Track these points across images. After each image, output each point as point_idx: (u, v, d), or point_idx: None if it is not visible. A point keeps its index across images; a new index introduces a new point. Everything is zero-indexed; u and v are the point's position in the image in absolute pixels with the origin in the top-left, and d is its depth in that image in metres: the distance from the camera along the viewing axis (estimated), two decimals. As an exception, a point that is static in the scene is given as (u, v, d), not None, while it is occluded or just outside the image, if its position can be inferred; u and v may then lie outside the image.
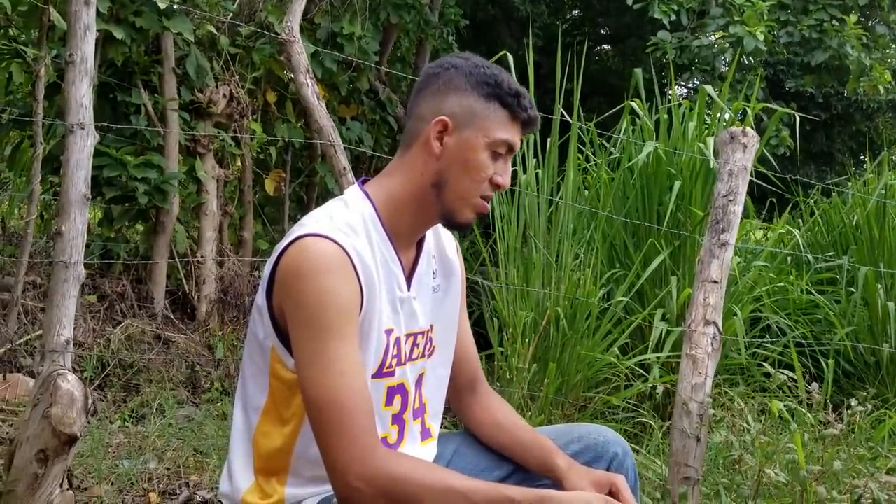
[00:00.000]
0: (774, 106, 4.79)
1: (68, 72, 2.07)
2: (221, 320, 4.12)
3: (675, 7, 6.52)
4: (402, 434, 1.40)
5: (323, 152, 5.02)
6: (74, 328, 2.14)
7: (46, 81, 3.41)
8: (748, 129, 2.47)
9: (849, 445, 2.50)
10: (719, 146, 2.50)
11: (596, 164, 4.03)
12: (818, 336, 3.98)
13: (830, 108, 8.68)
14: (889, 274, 4.06)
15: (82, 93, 2.07)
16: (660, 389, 2.99)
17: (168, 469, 2.55)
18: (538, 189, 3.50)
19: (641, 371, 3.34)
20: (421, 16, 6.04)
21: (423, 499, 1.21)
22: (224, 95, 4.28)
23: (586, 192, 3.93)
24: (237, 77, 4.37)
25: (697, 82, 6.91)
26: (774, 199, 5.18)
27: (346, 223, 1.31)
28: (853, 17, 6.62)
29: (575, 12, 10.67)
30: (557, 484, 1.40)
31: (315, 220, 1.31)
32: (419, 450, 1.43)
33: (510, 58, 3.62)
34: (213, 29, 4.21)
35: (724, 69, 6.74)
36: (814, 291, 4.20)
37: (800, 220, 5.09)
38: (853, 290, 4.14)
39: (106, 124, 3.66)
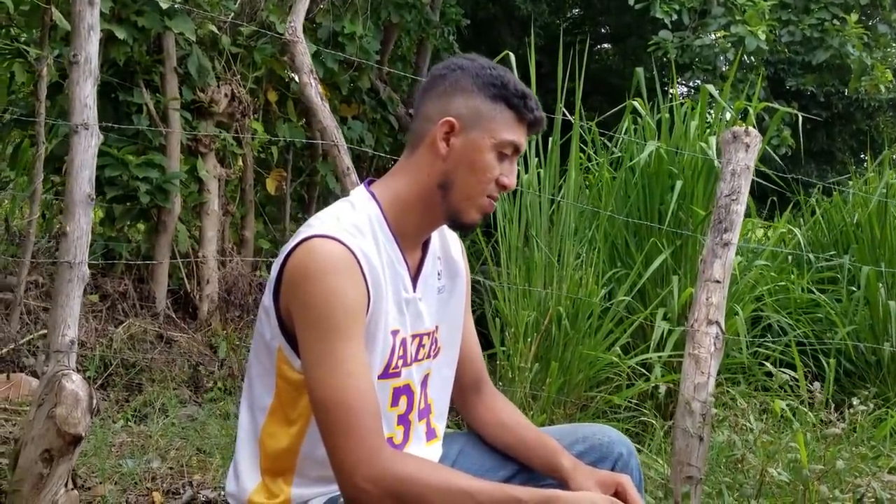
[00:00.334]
0: (776, 105, 4.80)
1: (72, 72, 2.07)
2: (223, 319, 4.13)
3: (677, 7, 6.52)
4: (408, 434, 1.41)
5: (325, 152, 5.04)
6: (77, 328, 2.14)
7: (48, 81, 3.41)
8: (751, 128, 2.47)
9: (851, 444, 2.50)
10: (722, 145, 2.50)
11: (598, 164, 4.03)
12: (819, 335, 3.98)
13: (831, 106, 8.68)
14: (890, 273, 4.07)
15: (86, 93, 2.07)
16: (662, 389, 2.99)
17: (171, 468, 2.56)
18: (540, 188, 3.50)
19: (643, 370, 3.34)
20: (422, 15, 6.04)
21: (429, 499, 1.21)
22: (225, 95, 4.28)
23: (588, 191, 3.93)
24: (238, 76, 4.37)
25: (699, 81, 6.92)
26: (775, 198, 5.19)
27: (353, 224, 1.31)
28: (854, 17, 6.63)
29: (575, 11, 10.67)
30: (562, 484, 1.40)
31: (322, 222, 1.31)
32: (424, 450, 1.43)
33: (512, 58, 3.62)
34: (214, 28, 4.21)
35: (725, 68, 6.74)
36: (815, 290, 4.21)
37: (801, 220, 5.09)
38: (854, 289, 4.14)
39: (108, 124, 3.66)
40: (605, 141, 4.14)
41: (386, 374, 1.35)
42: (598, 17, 10.19)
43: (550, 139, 3.55)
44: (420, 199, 1.37)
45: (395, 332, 1.35)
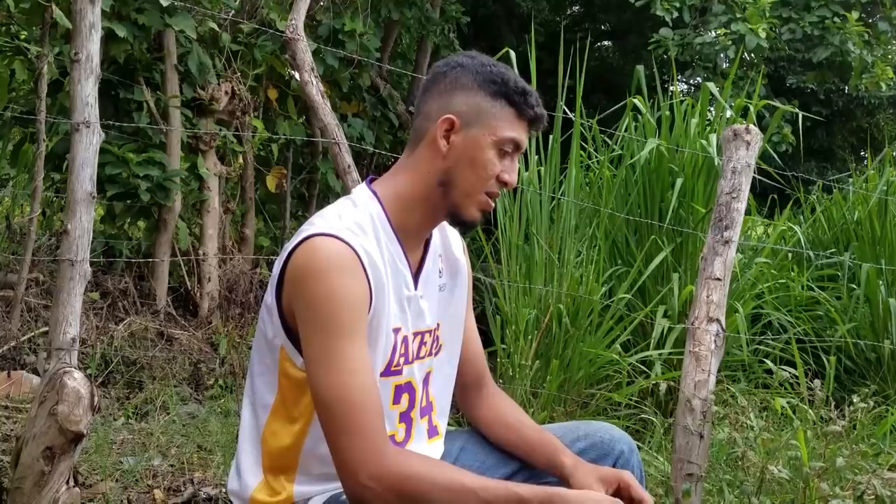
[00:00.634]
0: (776, 103, 4.79)
1: (73, 70, 2.07)
2: (224, 317, 4.13)
3: (678, 4, 6.52)
4: (410, 432, 1.41)
5: (325, 149, 5.04)
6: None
7: (49, 79, 3.41)
8: (751, 126, 2.47)
9: (851, 442, 2.50)
10: (723, 143, 2.50)
11: (598, 161, 4.03)
12: (819, 333, 3.98)
13: (831, 104, 8.68)
14: (890, 270, 4.07)
15: (87, 91, 2.07)
16: (662, 386, 3.00)
17: (172, 466, 2.56)
18: (540, 186, 3.50)
19: (643, 368, 3.34)
20: (422, 12, 6.04)
21: (432, 496, 1.22)
22: (226, 92, 4.28)
23: (588, 189, 3.93)
24: (239, 74, 4.37)
25: (699, 79, 6.91)
26: (776, 196, 5.19)
27: (355, 222, 1.32)
28: (855, 14, 6.62)
29: (576, 8, 10.66)
30: (564, 481, 1.40)
31: (324, 220, 1.31)
32: (426, 447, 1.43)
33: (513, 55, 3.62)
34: (214, 26, 4.21)
35: (725, 66, 6.73)
36: (815, 288, 4.21)
37: (801, 217, 5.09)
38: (854, 286, 4.14)
39: (108, 122, 3.66)
40: (606, 138, 4.14)
41: (388, 372, 1.35)
42: (599, 14, 10.18)
43: (551, 137, 3.55)
44: (421, 197, 1.37)
45: (396, 330, 1.35)
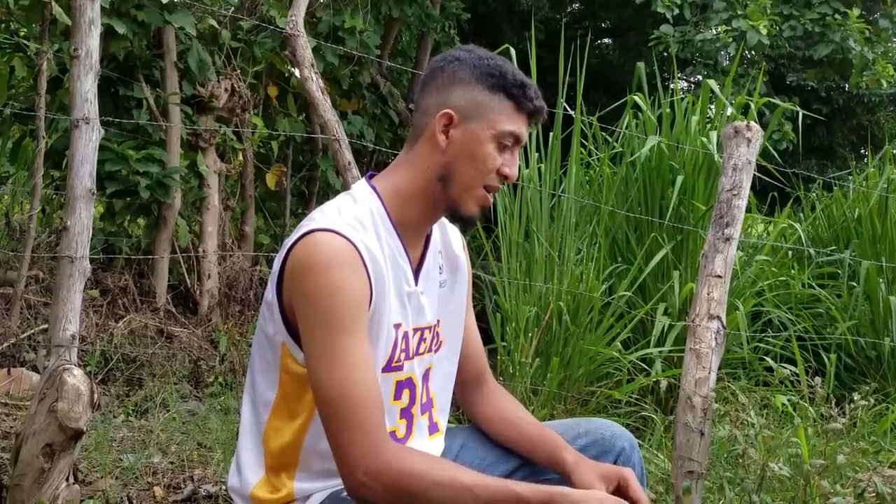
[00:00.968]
0: (777, 101, 4.79)
1: (73, 67, 2.06)
2: (224, 314, 4.13)
3: (678, 1, 6.51)
4: (411, 428, 1.40)
5: (325, 146, 5.04)
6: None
7: (48, 76, 3.41)
8: (752, 123, 2.46)
9: (851, 439, 2.50)
10: (723, 140, 2.50)
11: (598, 159, 4.02)
12: (820, 330, 3.98)
13: (832, 101, 8.67)
14: (891, 268, 4.07)
15: (87, 88, 2.06)
16: (662, 384, 2.99)
17: (172, 463, 2.56)
18: (541, 183, 3.50)
19: (644, 365, 3.34)
20: (422, 10, 6.03)
21: (432, 493, 1.21)
22: (226, 89, 4.27)
23: (589, 186, 3.93)
24: (239, 71, 4.36)
25: (700, 76, 6.91)
26: (776, 194, 5.19)
27: (355, 218, 1.31)
28: (856, 11, 6.61)
29: (576, 6, 10.65)
30: (565, 478, 1.40)
31: (324, 215, 1.31)
32: (427, 444, 1.43)
33: (513, 52, 3.61)
34: (214, 23, 4.20)
35: (726, 63, 6.73)
36: (815, 285, 4.21)
37: (801, 215, 5.09)
38: (855, 284, 4.14)
39: (108, 118, 3.65)
40: (606, 136, 4.14)
41: (389, 368, 1.35)
42: (599, 11, 10.17)
43: (551, 134, 3.54)
44: (421, 192, 1.37)
45: (397, 326, 1.35)
